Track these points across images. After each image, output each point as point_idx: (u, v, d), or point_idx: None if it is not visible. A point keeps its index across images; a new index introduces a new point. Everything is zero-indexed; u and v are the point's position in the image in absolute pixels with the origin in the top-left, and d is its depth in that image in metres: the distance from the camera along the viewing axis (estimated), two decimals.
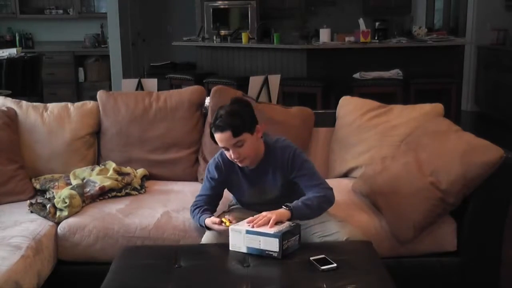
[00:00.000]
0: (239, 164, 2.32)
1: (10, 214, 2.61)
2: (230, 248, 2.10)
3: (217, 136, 2.24)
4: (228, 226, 2.16)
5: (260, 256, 2.04)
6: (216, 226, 2.24)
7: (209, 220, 2.28)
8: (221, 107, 2.29)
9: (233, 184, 2.45)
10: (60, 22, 8.69)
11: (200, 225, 2.36)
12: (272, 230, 2.04)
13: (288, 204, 2.21)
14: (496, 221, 2.55)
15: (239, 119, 2.23)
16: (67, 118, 3.09)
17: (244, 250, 2.08)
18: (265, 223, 2.08)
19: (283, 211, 2.16)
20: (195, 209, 2.42)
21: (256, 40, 7.10)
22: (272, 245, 2.02)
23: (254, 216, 2.14)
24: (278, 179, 2.36)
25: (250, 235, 2.06)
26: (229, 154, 2.28)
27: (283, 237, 2.01)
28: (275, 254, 2.02)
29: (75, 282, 2.57)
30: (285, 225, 2.10)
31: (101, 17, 8.34)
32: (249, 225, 2.10)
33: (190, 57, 7.97)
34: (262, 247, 2.04)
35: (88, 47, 8.56)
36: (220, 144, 2.27)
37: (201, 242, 2.29)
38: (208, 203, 2.44)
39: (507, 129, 6.49)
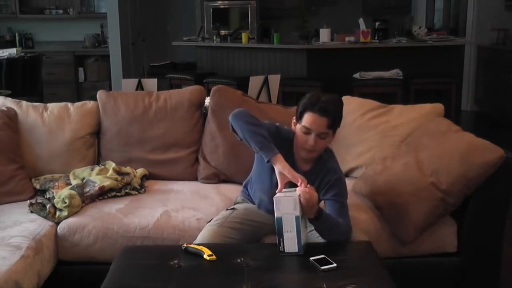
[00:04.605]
0: (306, 153, 2.24)
1: (10, 214, 2.61)
2: (274, 197, 2.04)
3: (313, 117, 2.17)
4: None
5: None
6: (290, 176, 2.09)
7: (302, 178, 2.09)
8: (318, 93, 2.25)
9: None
10: (60, 22, 8.70)
11: (259, 147, 2.15)
12: (304, 238, 2.03)
13: (321, 209, 2.12)
14: (496, 221, 2.54)
15: (339, 113, 2.25)
16: (67, 118, 3.09)
17: (276, 215, 2.03)
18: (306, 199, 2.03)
19: (314, 208, 2.08)
20: (261, 126, 2.21)
21: (256, 40, 7.10)
22: (289, 245, 2.02)
23: (304, 187, 2.05)
24: None
25: (294, 220, 2.02)
26: (306, 139, 2.20)
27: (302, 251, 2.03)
28: (281, 249, 2.03)
29: (75, 282, 2.56)
30: (306, 234, 2.10)
31: (101, 17, 8.35)
32: (303, 215, 2.04)
33: (190, 57, 7.97)
34: (285, 235, 2.02)
35: (88, 47, 8.56)
36: (308, 125, 2.19)
37: (195, 242, 2.22)
38: None
39: (507, 129, 6.49)
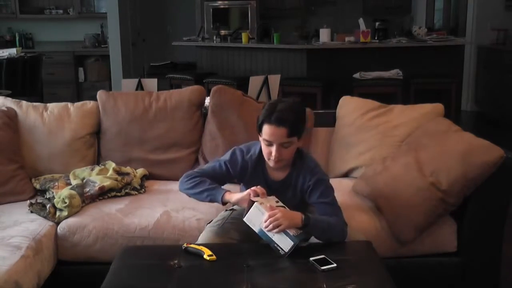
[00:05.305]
0: (273, 164, 2.20)
1: (10, 214, 2.61)
2: (244, 219, 2.08)
3: (270, 129, 2.11)
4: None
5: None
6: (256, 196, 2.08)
7: (254, 189, 2.10)
8: (278, 101, 2.20)
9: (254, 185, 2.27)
10: (60, 22, 8.69)
11: (210, 199, 2.21)
12: (292, 231, 2.03)
13: (308, 216, 2.08)
14: (496, 221, 2.55)
15: (298, 119, 2.16)
16: (67, 118, 3.09)
17: (256, 229, 2.06)
18: (275, 227, 2.02)
19: (296, 220, 2.05)
20: (200, 182, 2.23)
21: (256, 40, 7.10)
22: (284, 244, 2.01)
23: (271, 213, 2.03)
24: (295, 200, 2.28)
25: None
26: (269, 151, 2.16)
27: (298, 243, 2.02)
28: (282, 253, 2.02)
29: (75, 282, 2.56)
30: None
31: (101, 17, 8.35)
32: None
33: (190, 57, 7.97)
34: (275, 239, 2.02)
35: (88, 47, 8.56)
36: (267, 138, 2.14)
37: (197, 242, 2.23)
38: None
39: (507, 129, 6.49)
